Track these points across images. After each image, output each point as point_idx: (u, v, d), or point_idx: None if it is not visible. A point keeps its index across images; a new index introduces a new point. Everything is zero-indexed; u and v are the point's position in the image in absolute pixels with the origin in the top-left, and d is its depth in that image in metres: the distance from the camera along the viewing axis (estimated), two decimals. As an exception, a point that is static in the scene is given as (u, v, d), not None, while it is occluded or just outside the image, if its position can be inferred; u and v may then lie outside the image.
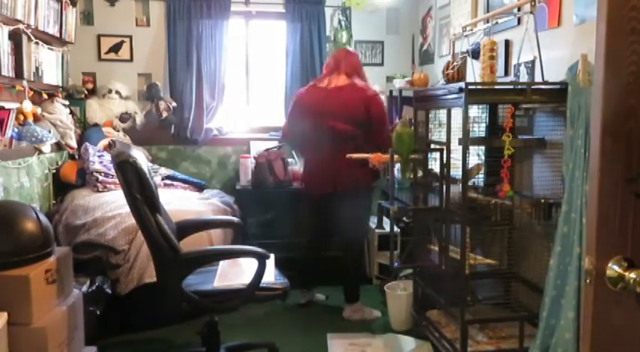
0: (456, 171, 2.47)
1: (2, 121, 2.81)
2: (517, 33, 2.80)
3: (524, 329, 2.35)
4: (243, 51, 4.47)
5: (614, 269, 0.89)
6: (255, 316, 3.22)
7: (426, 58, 4.32)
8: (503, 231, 2.69)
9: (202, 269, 2.49)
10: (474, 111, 2.71)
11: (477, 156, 2.76)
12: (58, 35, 3.55)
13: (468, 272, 2.36)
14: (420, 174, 2.88)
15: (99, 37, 4.18)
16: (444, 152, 2.55)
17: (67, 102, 3.74)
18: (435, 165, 2.81)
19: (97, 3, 4.16)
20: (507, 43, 2.96)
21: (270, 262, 2.40)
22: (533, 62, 2.66)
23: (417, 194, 2.93)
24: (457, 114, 2.38)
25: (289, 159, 4.08)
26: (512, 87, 2.46)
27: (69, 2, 3.72)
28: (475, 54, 3.04)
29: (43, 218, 2.09)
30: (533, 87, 2.32)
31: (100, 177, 3.52)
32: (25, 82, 3.04)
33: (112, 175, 3.44)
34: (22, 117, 3.05)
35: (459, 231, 2.37)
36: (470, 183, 2.52)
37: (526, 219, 2.57)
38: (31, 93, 3.20)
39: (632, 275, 0.86)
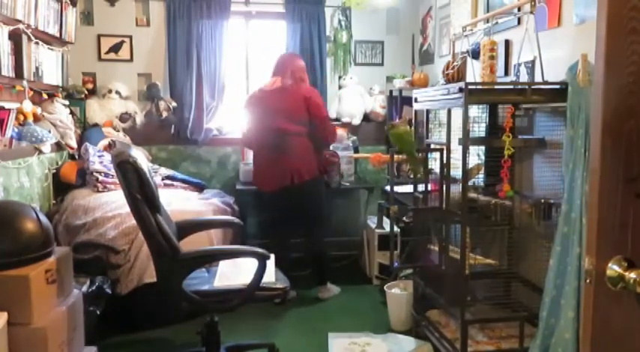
0: (456, 171, 2.47)
1: (2, 121, 2.81)
2: (517, 33, 2.80)
3: (524, 329, 2.35)
4: (243, 51, 4.47)
5: (614, 269, 0.89)
6: (255, 316, 3.22)
7: (426, 58, 4.32)
8: (503, 231, 2.69)
9: (203, 269, 2.50)
10: (474, 111, 2.70)
11: (477, 156, 2.76)
12: (58, 35, 3.55)
13: (468, 272, 2.36)
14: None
15: (99, 37, 4.18)
16: (444, 152, 2.55)
17: (67, 102, 3.73)
18: (435, 165, 2.81)
19: (97, 3, 4.16)
20: (507, 43, 2.96)
21: (270, 262, 2.41)
22: (533, 62, 2.66)
23: (417, 193, 2.93)
24: (457, 114, 2.38)
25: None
26: (512, 87, 2.46)
27: (69, 2, 3.71)
28: (475, 54, 3.04)
29: (43, 218, 2.08)
30: (533, 87, 2.32)
31: (100, 177, 3.52)
32: (25, 82, 3.04)
33: (112, 175, 3.44)
34: (22, 117, 3.05)
35: (459, 231, 2.37)
36: (470, 183, 2.52)
37: (526, 219, 2.57)
38: (31, 93, 3.20)
39: (632, 275, 0.86)
